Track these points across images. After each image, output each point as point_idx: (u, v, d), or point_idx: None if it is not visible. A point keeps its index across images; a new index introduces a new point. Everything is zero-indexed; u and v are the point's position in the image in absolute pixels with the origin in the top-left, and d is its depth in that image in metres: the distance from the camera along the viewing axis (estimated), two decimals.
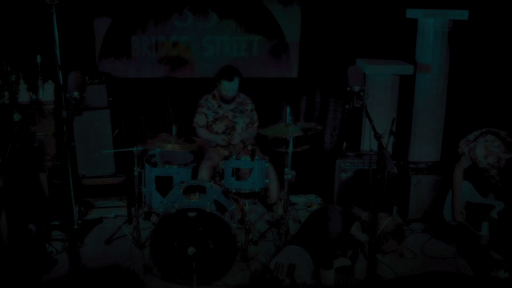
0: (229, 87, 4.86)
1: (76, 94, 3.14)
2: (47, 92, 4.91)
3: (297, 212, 5.19)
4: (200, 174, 4.76)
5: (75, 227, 3.50)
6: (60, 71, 4.63)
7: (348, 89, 3.39)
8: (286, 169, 4.40)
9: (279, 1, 5.61)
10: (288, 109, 4.45)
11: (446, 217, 4.64)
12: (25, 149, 4.59)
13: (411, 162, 5.27)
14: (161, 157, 4.73)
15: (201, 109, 5.07)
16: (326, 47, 5.69)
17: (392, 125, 4.90)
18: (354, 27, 5.60)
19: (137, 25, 5.51)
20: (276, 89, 5.78)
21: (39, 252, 4.40)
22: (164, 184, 4.52)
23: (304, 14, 5.67)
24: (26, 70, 4.99)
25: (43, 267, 4.19)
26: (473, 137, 4.40)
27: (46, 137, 4.82)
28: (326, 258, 3.65)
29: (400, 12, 5.43)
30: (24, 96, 4.83)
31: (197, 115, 5.10)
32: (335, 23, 5.62)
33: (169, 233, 3.97)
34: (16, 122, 4.48)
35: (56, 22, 4.61)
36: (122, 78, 5.57)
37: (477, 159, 4.29)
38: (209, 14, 5.57)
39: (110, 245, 4.63)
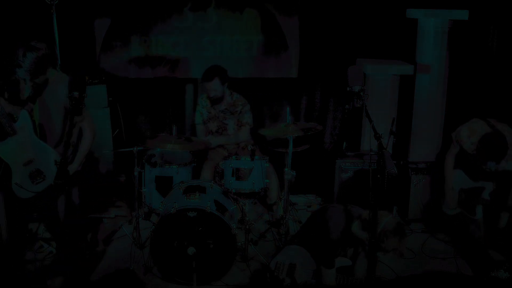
0: (209, 88, 4.83)
1: (76, 94, 3.14)
2: None
3: (297, 212, 5.19)
4: (203, 174, 4.77)
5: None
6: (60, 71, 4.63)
7: (348, 89, 3.39)
8: (286, 169, 4.39)
9: (279, 1, 5.61)
10: (288, 109, 4.45)
11: (443, 208, 4.62)
12: None
13: (411, 162, 5.27)
14: (161, 157, 4.73)
15: (198, 107, 5.08)
16: (326, 47, 5.69)
17: (392, 125, 4.90)
18: (354, 27, 5.60)
19: (137, 25, 5.51)
20: (276, 89, 5.78)
21: (37, 252, 4.40)
22: (164, 184, 4.52)
23: (304, 14, 5.66)
24: None
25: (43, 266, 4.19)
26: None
27: None
28: (327, 257, 3.65)
29: (400, 12, 5.42)
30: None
31: (195, 113, 5.11)
32: (335, 23, 5.62)
33: (169, 233, 3.97)
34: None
35: (56, 22, 4.62)
36: (122, 78, 5.57)
37: (461, 141, 4.33)
38: (209, 14, 5.57)
39: (110, 245, 4.63)
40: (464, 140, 4.29)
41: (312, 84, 5.83)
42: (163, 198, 4.43)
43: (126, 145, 4.54)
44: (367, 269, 3.29)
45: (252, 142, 5.04)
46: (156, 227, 3.99)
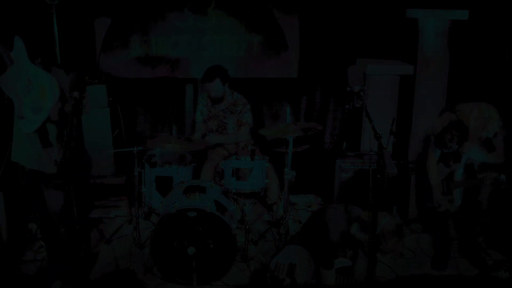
0: (210, 88, 4.83)
1: (76, 94, 3.15)
2: None
3: (297, 212, 5.19)
4: (203, 174, 4.77)
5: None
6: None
7: (348, 89, 3.39)
8: (286, 169, 4.39)
9: (280, 1, 5.62)
10: (288, 109, 4.45)
11: (435, 203, 4.58)
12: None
13: (411, 162, 5.27)
14: (161, 157, 4.73)
15: (198, 105, 5.08)
16: (326, 47, 5.69)
17: (392, 125, 4.90)
18: (354, 27, 5.60)
19: (137, 25, 5.52)
20: (276, 89, 5.78)
21: (37, 252, 4.40)
22: (164, 184, 4.52)
23: (304, 14, 5.67)
24: None
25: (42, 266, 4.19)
26: None
27: None
28: (326, 258, 3.65)
29: (400, 12, 5.43)
30: None
31: (196, 111, 5.11)
32: (335, 23, 5.62)
33: (169, 233, 3.97)
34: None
35: (56, 22, 4.62)
36: (122, 78, 5.57)
37: (435, 131, 4.33)
38: (209, 14, 5.57)
39: (110, 245, 4.63)
40: (438, 129, 4.28)
41: (312, 84, 5.83)
42: (163, 198, 4.43)
43: (126, 145, 4.54)
44: (367, 270, 3.29)
45: (252, 142, 5.04)
46: (156, 227, 3.99)
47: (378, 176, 3.02)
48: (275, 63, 5.79)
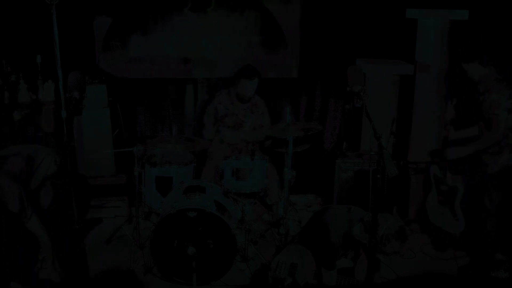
0: (248, 86, 4.85)
1: (76, 94, 3.15)
2: (47, 92, 4.92)
3: (297, 212, 5.19)
4: (205, 173, 4.78)
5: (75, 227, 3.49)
6: (60, 71, 4.62)
7: (348, 89, 3.39)
8: (286, 169, 4.40)
9: (279, 0, 5.61)
10: (288, 109, 4.45)
11: (430, 217, 4.58)
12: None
13: (411, 162, 5.27)
14: (161, 157, 4.73)
15: (213, 101, 5.06)
16: (326, 47, 5.69)
17: (392, 125, 4.90)
18: (354, 27, 5.60)
19: (137, 24, 5.51)
20: (276, 89, 5.78)
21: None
22: (164, 184, 4.52)
23: (304, 14, 5.67)
24: (26, 70, 4.99)
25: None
26: None
27: (46, 137, 4.84)
28: (328, 259, 3.65)
29: (400, 12, 5.42)
30: (24, 96, 4.84)
31: (208, 107, 5.10)
32: (335, 23, 5.62)
33: (169, 233, 3.97)
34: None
35: (56, 22, 4.61)
36: (122, 78, 5.57)
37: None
38: (209, 14, 5.57)
39: (110, 245, 4.63)
40: None
41: (312, 84, 5.83)
42: (163, 198, 4.43)
43: (126, 145, 4.53)
44: (367, 270, 3.29)
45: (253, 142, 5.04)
46: (156, 227, 4.00)
47: (378, 176, 3.02)
48: (275, 63, 5.78)
